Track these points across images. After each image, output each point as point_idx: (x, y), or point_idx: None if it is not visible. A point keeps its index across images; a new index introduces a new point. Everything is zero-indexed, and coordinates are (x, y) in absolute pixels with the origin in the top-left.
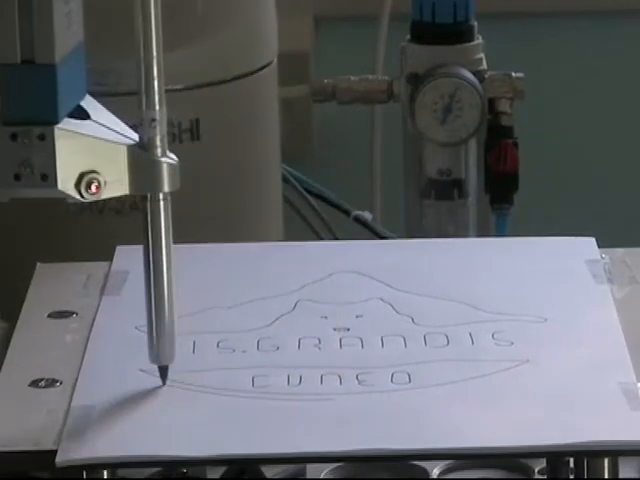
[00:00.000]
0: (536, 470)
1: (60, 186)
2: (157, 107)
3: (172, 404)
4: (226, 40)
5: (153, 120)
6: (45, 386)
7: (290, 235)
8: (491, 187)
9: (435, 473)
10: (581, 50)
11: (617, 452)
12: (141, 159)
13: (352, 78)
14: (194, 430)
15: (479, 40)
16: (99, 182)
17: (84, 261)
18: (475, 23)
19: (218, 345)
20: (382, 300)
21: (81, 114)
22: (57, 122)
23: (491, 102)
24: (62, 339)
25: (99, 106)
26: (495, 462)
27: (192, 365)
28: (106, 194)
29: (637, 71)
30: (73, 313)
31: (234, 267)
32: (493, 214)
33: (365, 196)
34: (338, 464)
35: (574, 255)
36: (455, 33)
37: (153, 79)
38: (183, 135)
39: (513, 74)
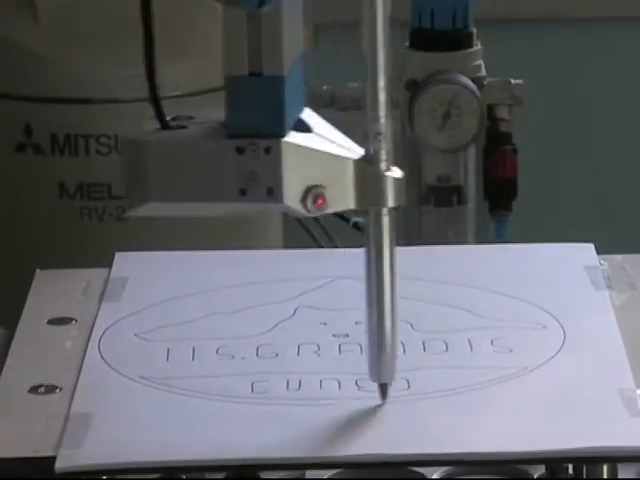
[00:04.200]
0: (535, 476)
1: (286, 201)
2: (382, 120)
3: (171, 410)
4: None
5: (379, 134)
6: (45, 392)
7: (289, 241)
8: (490, 193)
9: (434, 478)
10: (580, 57)
11: (616, 458)
12: (367, 173)
13: (349, 85)
14: (193, 436)
15: (478, 47)
16: (324, 196)
17: (83, 267)
18: (474, 30)
19: (217, 352)
20: None
21: (303, 127)
22: (283, 135)
23: (490, 108)
24: (62, 345)
25: (318, 118)
26: (494, 469)
27: (191, 372)
28: (331, 209)
29: (637, 77)
30: (72, 319)
31: (234, 274)
32: (492, 220)
33: None
34: (337, 470)
35: (573, 261)
36: (454, 40)
37: (378, 92)
38: None
39: (512, 81)
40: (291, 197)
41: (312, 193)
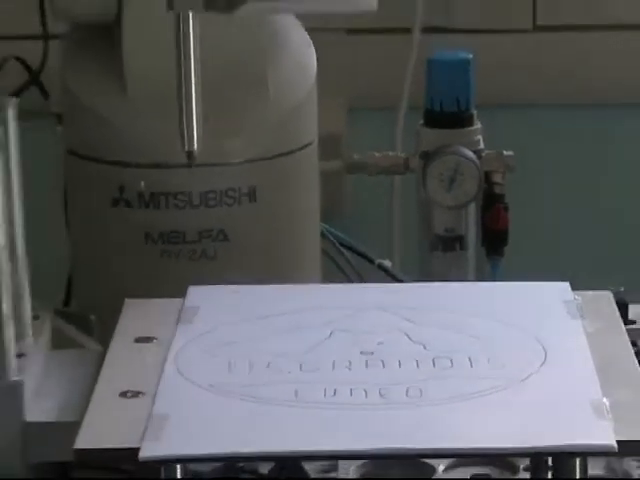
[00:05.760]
0: (521, 467)
1: None
2: None
3: (233, 411)
4: (276, 123)
5: None
6: (131, 397)
7: (326, 279)
8: (486, 241)
9: (440, 468)
10: (559, 134)
11: (586, 453)
12: None
13: (377, 154)
14: (250, 432)
15: (478, 125)
16: None
17: (163, 297)
18: (474, 112)
19: (269, 365)
20: (400, 331)
21: None
22: None
23: (487, 174)
24: (145, 359)
25: None
26: (488, 460)
27: (248, 381)
28: None
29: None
30: (154, 338)
31: (283, 303)
32: (488, 263)
33: (386, 248)
34: (363, 460)
35: (553, 296)
36: (458, 120)
37: None
38: (242, 198)
39: (504, 152)
40: None
41: None
